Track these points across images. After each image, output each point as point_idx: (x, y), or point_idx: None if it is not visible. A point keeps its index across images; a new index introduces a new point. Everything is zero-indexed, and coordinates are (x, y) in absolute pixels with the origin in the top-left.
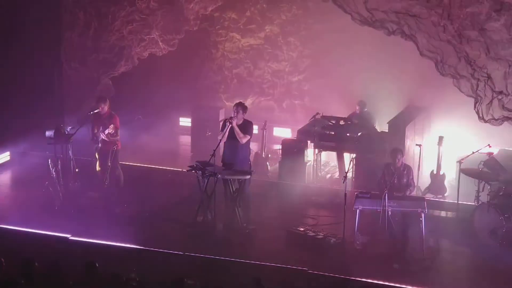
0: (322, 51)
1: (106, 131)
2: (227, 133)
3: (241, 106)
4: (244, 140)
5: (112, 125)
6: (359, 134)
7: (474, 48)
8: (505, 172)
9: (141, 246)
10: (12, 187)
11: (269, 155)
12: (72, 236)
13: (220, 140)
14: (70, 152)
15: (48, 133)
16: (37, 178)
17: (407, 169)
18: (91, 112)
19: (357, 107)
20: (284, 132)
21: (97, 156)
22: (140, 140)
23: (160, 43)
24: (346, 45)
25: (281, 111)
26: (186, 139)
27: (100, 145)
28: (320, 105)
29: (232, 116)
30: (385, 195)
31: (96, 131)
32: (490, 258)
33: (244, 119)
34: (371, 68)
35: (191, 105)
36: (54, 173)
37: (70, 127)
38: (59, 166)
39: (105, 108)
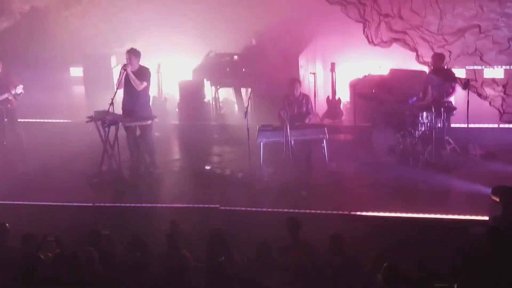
0: None
1: (18, 91)
2: (123, 80)
3: (132, 53)
4: (141, 87)
5: (21, 86)
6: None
7: None
8: (396, 91)
9: (50, 202)
10: None
11: (166, 98)
12: None
13: (117, 88)
14: None
15: None
16: None
17: (306, 98)
18: None
19: (253, 40)
20: (179, 72)
21: None
22: (33, 96)
23: None
24: None
25: None
26: (79, 89)
27: None
28: (211, 40)
29: (127, 63)
30: (287, 125)
31: None
32: (389, 175)
33: (140, 66)
34: None
35: (80, 55)
36: None
37: None
38: None
39: None
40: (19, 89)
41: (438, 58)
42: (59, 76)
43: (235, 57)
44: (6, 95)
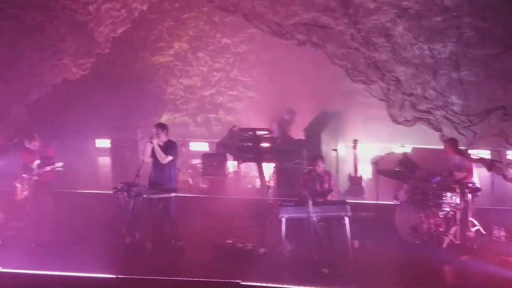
0: (231, 63)
1: (57, 166)
2: (149, 152)
3: (160, 127)
4: (165, 161)
5: (61, 163)
6: (277, 144)
7: (381, 54)
8: (419, 169)
9: (73, 272)
10: None
11: (190, 171)
12: (2, 268)
13: (143, 160)
14: None
15: None
16: None
17: (328, 174)
18: (10, 142)
19: (286, 115)
20: (201, 146)
21: (25, 186)
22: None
23: (73, 68)
24: (256, 53)
25: (196, 125)
26: (104, 161)
27: (34, 177)
28: (235, 118)
29: (153, 136)
30: (309, 202)
31: (30, 164)
32: (412, 255)
33: (168, 140)
34: (283, 75)
35: (108, 127)
36: None
37: None
38: None
39: (36, 144)
40: (59, 165)
41: (450, 144)
42: (85, 147)
43: (258, 132)
44: (47, 168)
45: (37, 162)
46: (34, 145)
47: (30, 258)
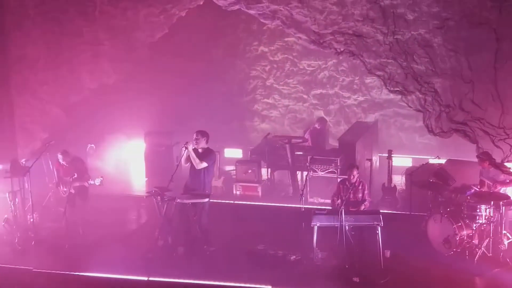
0: (267, 71)
1: (97, 182)
2: (184, 157)
3: (201, 133)
4: (199, 166)
5: (100, 179)
6: (311, 152)
7: (419, 64)
8: (454, 181)
9: (105, 274)
10: None
11: (223, 177)
12: (35, 268)
13: (177, 164)
14: (27, 184)
15: (3, 167)
16: None
17: (362, 184)
18: (47, 144)
19: (317, 124)
20: (235, 153)
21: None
22: (94, 168)
23: (110, 72)
24: (292, 61)
25: (231, 132)
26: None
27: (71, 190)
28: (269, 125)
29: (189, 141)
30: (342, 211)
31: (66, 178)
32: (444, 266)
33: (208, 147)
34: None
35: (143, 131)
36: (12, 206)
37: (24, 159)
38: (17, 200)
39: (68, 161)
40: (98, 181)
41: (484, 157)
42: (119, 151)
43: (293, 140)
44: (85, 183)
45: (75, 176)
46: (67, 161)
47: (63, 259)
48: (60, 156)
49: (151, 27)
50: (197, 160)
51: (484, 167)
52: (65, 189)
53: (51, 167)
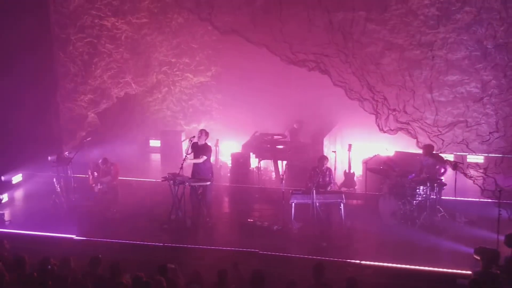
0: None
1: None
2: (189, 149)
3: (204, 132)
4: (200, 161)
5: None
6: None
7: (372, 78)
8: (398, 168)
9: (132, 241)
10: (26, 201)
11: (221, 165)
12: (77, 236)
13: (185, 156)
14: (69, 171)
15: (51, 158)
16: (45, 193)
17: (329, 170)
18: (85, 140)
19: (295, 124)
20: (231, 146)
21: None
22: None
23: (133, 84)
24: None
25: (227, 130)
26: (155, 156)
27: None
28: (257, 123)
29: (194, 135)
30: (313, 191)
31: (102, 178)
32: (392, 233)
33: (205, 143)
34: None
35: (158, 130)
36: (58, 188)
37: (67, 152)
38: (61, 183)
39: (106, 167)
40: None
41: (427, 148)
42: (142, 146)
43: (275, 136)
44: (114, 182)
45: (108, 178)
46: (104, 167)
47: (99, 229)
48: (100, 162)
49: (164, 49)
50: (199, 159)
51: (425, 156)
52: (100, 187)
53: (90, 166)
